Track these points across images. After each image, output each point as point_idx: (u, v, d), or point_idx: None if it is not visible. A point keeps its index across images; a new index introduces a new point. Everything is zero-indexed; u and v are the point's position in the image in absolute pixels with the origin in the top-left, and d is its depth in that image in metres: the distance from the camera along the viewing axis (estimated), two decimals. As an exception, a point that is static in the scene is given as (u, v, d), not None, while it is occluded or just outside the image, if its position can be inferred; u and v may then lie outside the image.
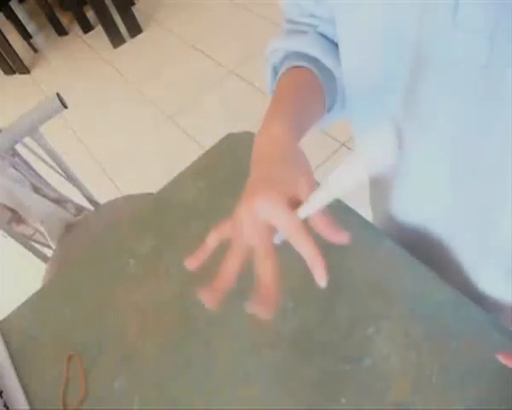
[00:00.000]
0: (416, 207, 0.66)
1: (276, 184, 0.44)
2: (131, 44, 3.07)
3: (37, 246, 1.36)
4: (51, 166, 1.33)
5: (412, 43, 0.46)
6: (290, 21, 0.62)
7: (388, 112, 0.55)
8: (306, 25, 0.60)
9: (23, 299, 0.79)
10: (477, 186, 0.53)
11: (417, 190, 0.62)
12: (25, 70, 3.23)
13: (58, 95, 1.18)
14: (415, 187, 0.62)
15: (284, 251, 0.71)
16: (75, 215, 1.36)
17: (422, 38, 0.44)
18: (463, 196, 0.56)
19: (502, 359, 0.48)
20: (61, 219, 1.29)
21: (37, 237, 1.37)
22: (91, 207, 1.43)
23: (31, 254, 1.35)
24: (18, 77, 3.27)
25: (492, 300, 0.66)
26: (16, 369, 0.70)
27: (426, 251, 0.66)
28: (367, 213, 0.75)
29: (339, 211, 0.73)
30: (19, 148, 1.24)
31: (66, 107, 1.19)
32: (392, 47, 0.48)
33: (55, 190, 1.36)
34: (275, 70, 0.64)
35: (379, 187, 0.73)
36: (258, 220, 0.43)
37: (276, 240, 0.45)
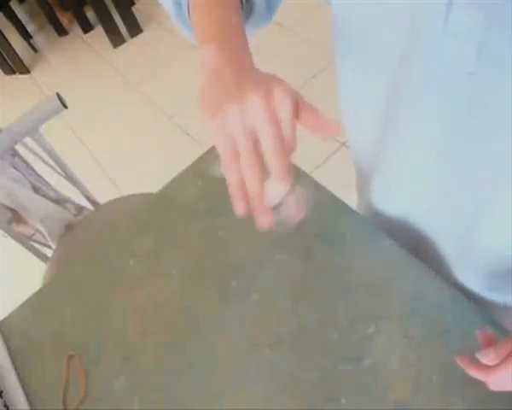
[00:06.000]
0: (400, 202, 0.66)
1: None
2: (131, 44, 3.07)
3: (37, 246, 1.36)
4: (51, 166, 1.33)
5: (402, 44, 0.46)
6: None
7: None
8: None
9: (23, 299, 0.79)
10: (461, 189, 0.53)
11: (399, 188, 0.62)
12: (25, 70, 3.23)
13: (58, 95, 1.18)
14: (396, 185, 0.63)
15: (284, 251, 0.71)
16: (75, 215, 1.36)
17: (413, 41, 0.44)
18: (446, 197, 0.56)
19: (461, 363, 0.47)
20: (61, 219, 1.29)
21: (37, 237, 1.37)
22: (91, 207, 1.43)
23: (31, 254, 1.35)
24: (18, 77, 3.26)
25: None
26: (16, 369, 0.71)
27: (407, 243, 0.66)
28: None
29: (339, 211, 0.73)
30: (19, 148, 1.24)
31: (66, 107, 1.19)
32: (383, 34, 0.47)
33: (55, 190, 1.36)
34: None
35: (363, 177, 0.73)
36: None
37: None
